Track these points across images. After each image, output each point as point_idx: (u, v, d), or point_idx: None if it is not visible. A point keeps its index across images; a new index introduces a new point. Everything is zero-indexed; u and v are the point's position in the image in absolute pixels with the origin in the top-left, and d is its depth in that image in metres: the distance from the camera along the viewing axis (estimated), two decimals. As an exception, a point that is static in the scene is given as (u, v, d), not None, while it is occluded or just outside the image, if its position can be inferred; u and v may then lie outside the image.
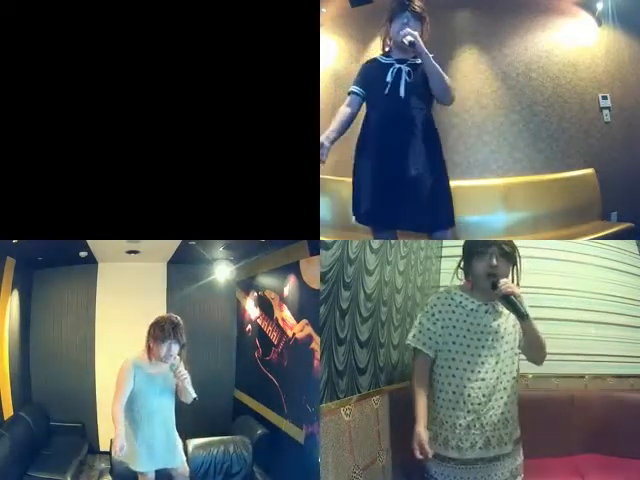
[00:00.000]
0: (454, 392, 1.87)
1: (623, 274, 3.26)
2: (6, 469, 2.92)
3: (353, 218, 2.40)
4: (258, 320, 4.07)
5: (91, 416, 4.42)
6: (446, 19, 3.44)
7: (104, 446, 4.09)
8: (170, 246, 3.91)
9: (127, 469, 2.51)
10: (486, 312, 1.90)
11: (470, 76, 3.49)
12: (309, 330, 2.98)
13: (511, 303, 1.78)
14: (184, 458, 2.52)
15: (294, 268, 3.22)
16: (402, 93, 2.21)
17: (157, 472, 2.41)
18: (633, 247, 3.31)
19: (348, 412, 1.87)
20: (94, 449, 4.27)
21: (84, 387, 4.44)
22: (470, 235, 3.25)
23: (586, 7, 3.61)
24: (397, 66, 2.25)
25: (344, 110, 2.33)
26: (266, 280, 3.90)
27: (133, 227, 2.04)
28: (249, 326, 4.35)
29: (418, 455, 1.78)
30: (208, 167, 2.05)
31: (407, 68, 2.24)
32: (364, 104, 2.36)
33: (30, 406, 3.98)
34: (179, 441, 2.48)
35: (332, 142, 2.23)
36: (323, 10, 3.86)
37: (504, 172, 3.45)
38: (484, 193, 3.40)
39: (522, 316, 1.78)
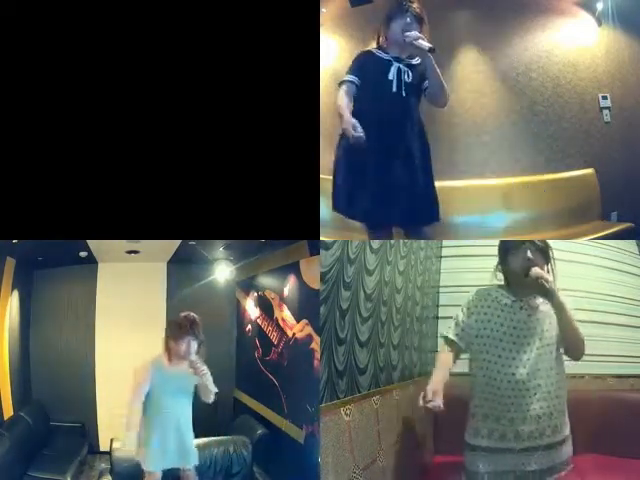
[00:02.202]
0: (486, 384, 1.91)
1: (623, 274, 3.26)
2: (6, 469, 2.92)
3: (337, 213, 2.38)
4: (258, 320, 4.07)
5: (91, 416, 4.43)
6: (446, 19, 3.44)
7: (104, 446, 4.09)
8: (170, 246, 3.91)
9: (127, 469, 2.50)
10: (521, 308, 1.92)
11: (470, 76, 3.49)
12: (309, 330, 2.98)
13: (541, 286, 1.81)
14: (195, 461, 2.49)
15: (294, 268, 3.23)
16: (403, 93, 2.23)
17: (164, 472, 2.39)
18: (633, 247, 3.31)
19: (348, 412, 1.86)
20: (94, 449, 4.28)
21: (84, 387, 4.45)
22: (469, 235, 3.26)
23: (586, 7, 3.60)
24: (397, 65, 2.25)
25: (347, 101, 2.22)
26: (266, 280, 3.90)
27: (133, 227, 2.04)
28: (249, 326, 4.35)
29: (421, 402, 1.73)
30: (208, 167, 2.05)
31: (406, 68, 2.25)
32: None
33: (30, 406, 3.98)
34: (192, 443, 2.45)
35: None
36: (323, 10, 3.85)
37: (504, 172, 3.44)
38: (484, 193, 3.40)
39: (550, 296, 1.82)
